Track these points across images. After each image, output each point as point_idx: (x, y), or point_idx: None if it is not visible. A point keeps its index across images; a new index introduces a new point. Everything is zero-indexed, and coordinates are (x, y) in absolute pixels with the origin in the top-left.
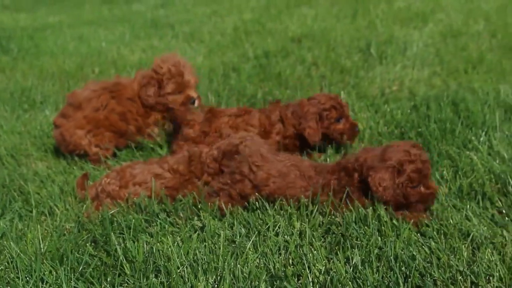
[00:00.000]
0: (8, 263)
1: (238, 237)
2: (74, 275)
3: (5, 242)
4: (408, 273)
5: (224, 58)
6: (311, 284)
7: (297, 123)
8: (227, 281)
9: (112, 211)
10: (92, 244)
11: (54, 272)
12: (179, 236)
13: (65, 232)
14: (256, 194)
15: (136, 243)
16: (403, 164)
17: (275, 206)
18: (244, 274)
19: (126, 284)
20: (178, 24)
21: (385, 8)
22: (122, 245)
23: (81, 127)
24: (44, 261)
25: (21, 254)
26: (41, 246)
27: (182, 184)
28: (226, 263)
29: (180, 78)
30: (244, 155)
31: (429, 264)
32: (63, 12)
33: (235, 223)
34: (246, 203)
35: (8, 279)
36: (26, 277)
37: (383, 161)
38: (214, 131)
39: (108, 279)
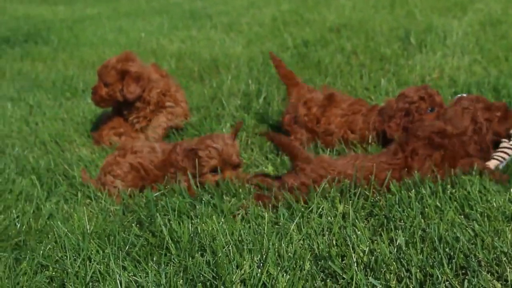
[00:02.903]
0: (56, 242)
1: (282, 219)
2: (121, 254)
3: (52, 223)
4: (452, 254)
5: (263, 48)
6: (355, 264)
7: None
8: (272, 260)
9: (156, 194)
10: (138, 225)
11: (101, 251)
12: (223, 218)
13: (110, 214)
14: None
15: (181, 224)
16: (475, 119)
17: (318, 190)
18: (289, 254)
19: (172, 263)
20: (216, 15)
21: None
22: (168, 225)
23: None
24: (91, 240)
25: (69, 234)
26: (88, 226)
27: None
28: (271, 243)
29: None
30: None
31: (473, 246)
32: (100, 4)
33: (278, 206)
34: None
35: (57, 257)
36: (73, 256)
37: (463, 133)
38: (324, 122)
39: (154, 259)
